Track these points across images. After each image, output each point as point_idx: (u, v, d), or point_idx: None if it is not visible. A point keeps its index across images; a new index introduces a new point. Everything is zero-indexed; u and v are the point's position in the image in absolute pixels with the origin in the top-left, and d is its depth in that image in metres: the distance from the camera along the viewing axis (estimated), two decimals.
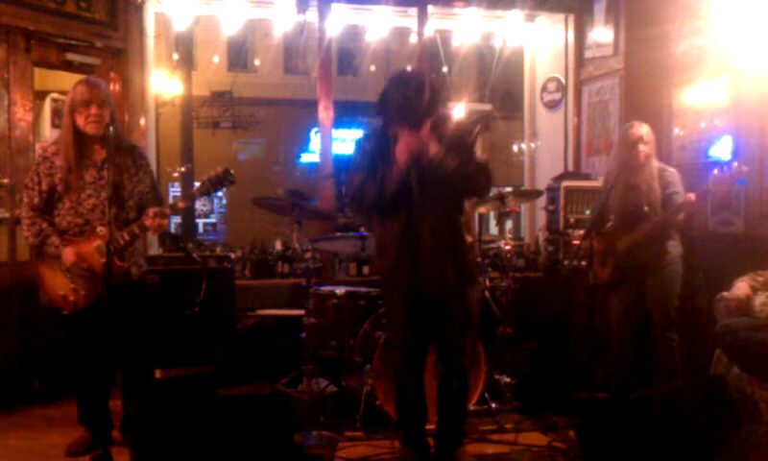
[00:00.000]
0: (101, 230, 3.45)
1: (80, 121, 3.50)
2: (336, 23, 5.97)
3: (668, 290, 4.19)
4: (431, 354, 3.57)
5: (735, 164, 3.78)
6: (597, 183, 5.35)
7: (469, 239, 3.40)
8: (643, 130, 4.15)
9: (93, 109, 3.48)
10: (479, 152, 3.30)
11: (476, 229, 3.68)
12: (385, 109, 3.21)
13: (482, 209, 4.88)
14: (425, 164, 3.16)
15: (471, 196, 3.45)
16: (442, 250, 3.27)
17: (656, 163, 4.19)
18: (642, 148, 4.10)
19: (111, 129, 3.34)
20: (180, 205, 3.67)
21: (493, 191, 4.77)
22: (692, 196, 3.95)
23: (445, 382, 3.47)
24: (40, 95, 5.10)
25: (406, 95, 3.10)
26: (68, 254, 3.47)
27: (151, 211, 3.48)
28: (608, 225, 4.30)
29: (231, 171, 3.53)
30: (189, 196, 3.74)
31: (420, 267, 3.25)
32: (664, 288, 4.18)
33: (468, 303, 3.42)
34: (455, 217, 3.33)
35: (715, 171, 3.82)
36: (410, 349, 3.43)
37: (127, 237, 3.47)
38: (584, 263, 4.47)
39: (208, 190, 3.56)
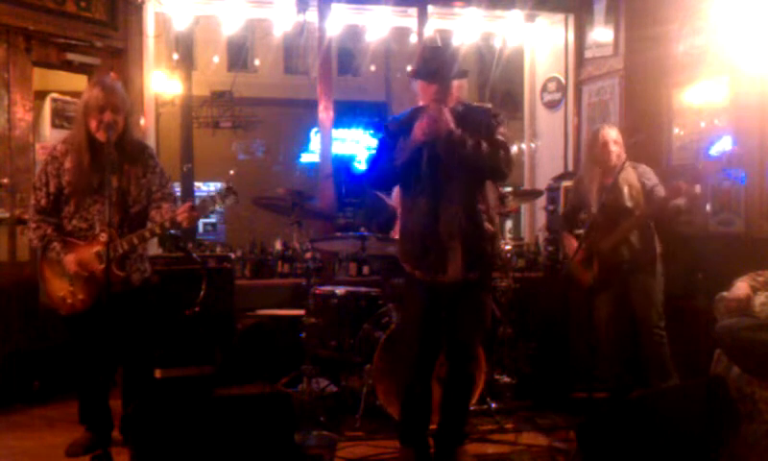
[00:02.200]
0: (103, 236, 3.43)
1: (92, 125, 3.44)
2: (336, 23, 5.97)
3: (653, 287, 4.25)
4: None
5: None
6: None
7: (491, 228, 3.37)
8: (613, 133, 4.27)
9: (107, 116, 3.41)
10: (500, 136, 3.33)
11: (497, 219, 3.65)
12: (417, 69, 3.32)
13: None
14: (447, 139, 3.19)
15: (490, 175, 3.37)
16: (460, 236, 3.27)
17: (628, 162, 4.24)
18: (613, 149, 4.22)
19: (112, 133, 3.33)
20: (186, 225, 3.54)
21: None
22: (682, 184, 4.00)
23: (452, 385, 3.48)
24: (40, 95, 5.09)
25: (435, 55, 3.30)
26: (69, 262, 3.46)
27: (187, 205, 3.42)
28: (590, 226, 4.31)
29: (233, 189, 3.49)
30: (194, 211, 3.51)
31: (439, 253, 3.27)
32: (649, 286, 4.25)
33: (483, 306, 3.44)
34: (476, 204, 3.31)
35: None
36: (423, 349, 3.42)
37: (125, 246, 3.44)
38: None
39: (211, 208, 3.53)
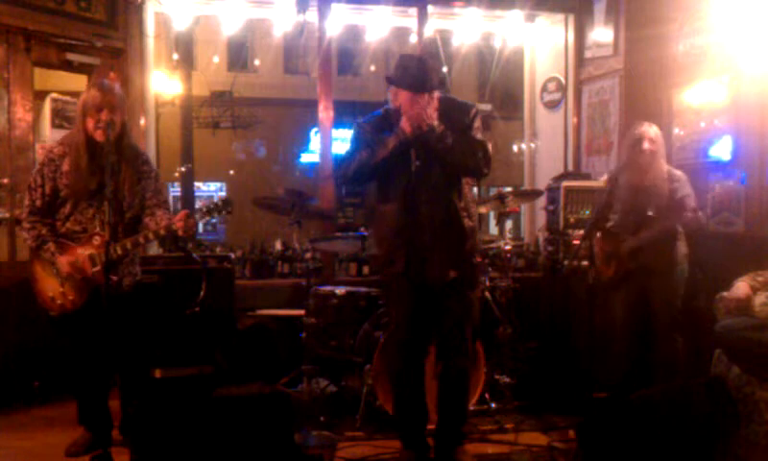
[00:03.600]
0: (96, 239, 3.43)
1: (89, 125, 3.44)
2: (336, 23, 5.97)
3: (672, 292, 4.21)
4: (431, 354, 3.58)
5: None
6: (597, 183, 5.36)
7: (470, 224, 3.38)
8: (651, 130, 4.17)
9: (104, 115, 3.40)
10: (478, 133, 3.35)
11: (476, 213, 3.65)
12: (396, 78, 3.28)
13: (482, 209, 4.88)
14: (427, 136, 3.19)
15: (469, 173, 3.40)
16: (438, 235, 3.28)
17: (664, 166, 4.19)
18: (646, 146, 4.12)
19: (111, 133, 3.32)
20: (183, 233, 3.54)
21: (493, 191, 4.77)
22: (698, 211, 4.00)
23: (445, 382, 3.48)
24: (40, 95, 5.09)
25: (419, 65, 3.25)
26: (63, 263, 3.45)
27: (182, 214, 3.42)
28: (609, 224, 4.30)
29: (230, 202, 3.51)
30: (189, 221, 3.54)
31: (418, 253, 3.27)
32: (670, 290, 4.20)
33: (467, 301, 3.43)
34: (453, 201, 3.32)
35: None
36: (409, 347, 3.44)
37: (119, 252, 3.42)
38: (585, 263, 4.48)
39: (204, 216, 3.56)
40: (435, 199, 3.28)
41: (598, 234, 4.31)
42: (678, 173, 4.23)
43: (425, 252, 3.28)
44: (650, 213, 4.13)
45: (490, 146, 3.40)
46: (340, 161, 3.45)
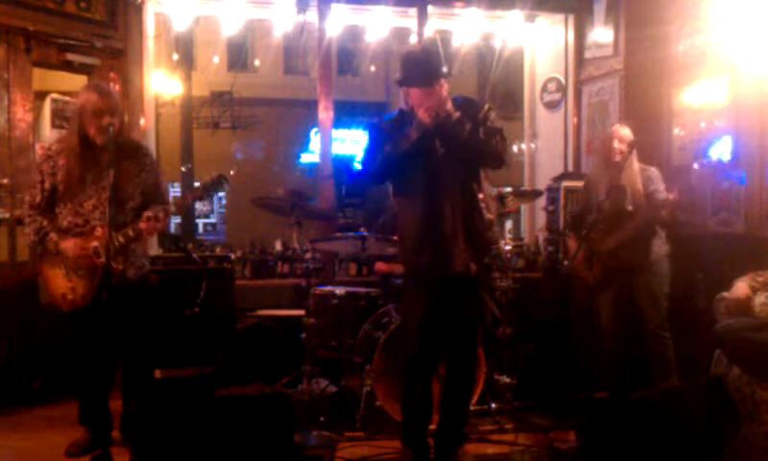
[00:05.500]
0: (98, 230, 3.47)
1: (90, 130, 3.50)
2: (336, 23, 5.97)
3: (656, 289, 4.26)
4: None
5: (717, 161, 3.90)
6: None
7: (489, 217, 3.43)
8: (623, 131, 4.28)
9: (105, 120, 3.46)
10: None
11: (494, 208, 3.70)
12: (405, 79, 3.33)
13: None
14: (445, 125, 3.24)
15: (489, 159, 3.40)
16: (460, 226, 3.30)
17: (636, 164, 4.26)
18: (617, 146, 4.22)
19: (112, 130, 3.39)
20: (175, 208, 3.66)
21: (494, 191, 4.77)
22: (670, 195, 4.03)
23: (451, 384, 3.49)
24: (40, 95, 5.09)
25: (422, 59, 3.33)
26: (68, 245, 3.49)
27: (144, 215, 3.50)
28: (589, 226, 4.33)
29: (225, 177, 3.55)
30: (185, 198, 3.67)
31: (441, 245, 3.29)
32: (651, 287, 4.26)
33: (480, 301, 3.46)
34: (474, 192, 3.36)
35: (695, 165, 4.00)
36: (426, 349, 3.42)
37: (121, 240, 3.47)
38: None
39: (201, 195, 3.63)
40: (457, 189, 3.31)
41: (577, 238, 4.38)
42: (651, 169, 4.32)
43: (448, 244, 3.29)
44: (630, 208, 4.18)
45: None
46: (365, 159, 3.47)
